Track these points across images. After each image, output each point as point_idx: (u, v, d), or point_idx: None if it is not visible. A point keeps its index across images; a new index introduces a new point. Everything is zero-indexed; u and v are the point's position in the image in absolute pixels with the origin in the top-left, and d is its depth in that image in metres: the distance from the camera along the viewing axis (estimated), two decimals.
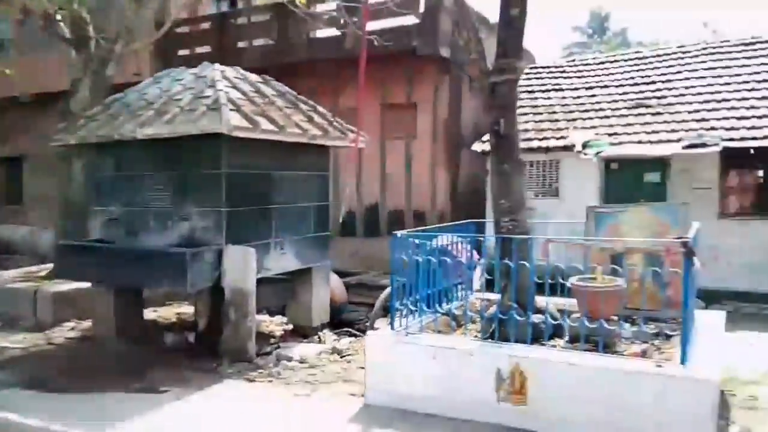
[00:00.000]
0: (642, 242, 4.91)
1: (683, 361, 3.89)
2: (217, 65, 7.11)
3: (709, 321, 5.15)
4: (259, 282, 6.45)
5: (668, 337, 4.76)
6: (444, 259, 5.02)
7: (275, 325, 7.98)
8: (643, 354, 4.31)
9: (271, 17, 12.63)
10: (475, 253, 6.29)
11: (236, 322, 6.22)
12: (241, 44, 13.18)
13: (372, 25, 10.25)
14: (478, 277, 6.57)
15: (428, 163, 11.93)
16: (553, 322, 4.51)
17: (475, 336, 5.02)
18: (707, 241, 9.28)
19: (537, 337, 4.65)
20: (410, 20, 11.05)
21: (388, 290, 6.20)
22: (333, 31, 11.76)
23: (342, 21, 9.40)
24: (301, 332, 7.46)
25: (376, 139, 11.96)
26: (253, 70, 7.74)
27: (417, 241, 5.14)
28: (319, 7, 12.06)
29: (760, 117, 9.43)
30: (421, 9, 10.68)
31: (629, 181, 10.07)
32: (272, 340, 7.20)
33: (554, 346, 4.65)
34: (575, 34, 32.59)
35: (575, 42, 32.22)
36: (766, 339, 7.33)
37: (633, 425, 3.86)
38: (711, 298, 8.73)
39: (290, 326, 7.68)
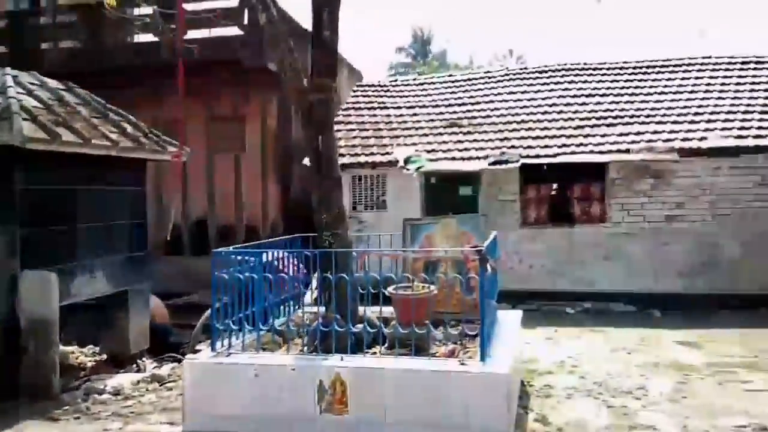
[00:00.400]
0: (443, 251, 5.34)
1: (483, 358, 4.31)
2: (8, 69, 6.35)
3: (508, 320, 5.75)
4: (66, 309, 5.86)
5: (475, 336, 5.22)
6: (267, 275, 4.99)
7: (86, 355, 7.29)
8: (452, 354, 4.68)
9: (79, 18, 11.58)
10: (302, 267, 6.34)
11: (36, 355, 5.58)
12: (44, 46, 11.88)
13: (194, 34, 9.93)
14: (311, 291, 6.62)
15: (259, 176, 11.80)
16: (371, 330, 4.71)
17: (301, 350, 5.06)
18: (512, 247, 10.46)
19: (361, 346, 4.82)
20: (235, 31, 10.87)
21: (210, 310, 5.99)
22: (152, 37, 11.14)
23: (159, 27, 8.95)
24: (118, 361, 6.91)
25: (202, 152, 11.54)
26: (59, 76, 7.05)
27: (240, 257, 5.06)
28: (136, 11, 11.35)
29: (551, 137, 10.80)
30: (246, 21, 10.57)
31: (446, 194, 10.88)
32: (82, 373, 6.58)
33: (374, 353, 4.85)
34: (401, 55, 34.66)
35: (401, 62, 34.18)
36: (562, 333, 8.36)
37: (445, 420, 4.16)
38: (517, 298, 9.72)
39: (104, 356, 7.07)
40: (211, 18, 9.23)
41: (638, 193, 10.08)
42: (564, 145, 10.48)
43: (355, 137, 11.68)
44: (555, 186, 11.03)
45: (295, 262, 6.08)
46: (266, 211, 11.76)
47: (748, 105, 10.55)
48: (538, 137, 10.90)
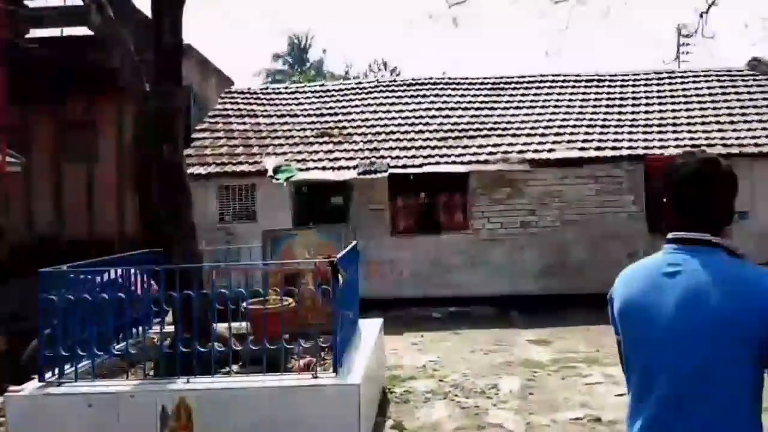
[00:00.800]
0: (294, 263, 5.28)
1: (335, 369, 4.29)
2: None
3: (369, 328, 5.80)
4: None
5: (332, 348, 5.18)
6: (103, 295, 4.61)
7: None
8: (307, 367, 4.61)
9: None
10: (153, 284, 5.96)
11: None
12: None
13: (37, 32, 9.09)
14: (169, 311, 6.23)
15: (115, 188, 11.00)
16: (220, 348, 4.51)
17: (146, 375, 4.73)
18: (383, 255, 10.65)
19: (215, 366, 4.60)
20: (87, 31, 10.08)
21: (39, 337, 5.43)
22: None
23: None
24: None
25: (48, 161, 10.56)
26: None
27: (73, 276, 4.64)
28: None
29: (418, 148, 11.16)
30: (98, 21, 9.82)
31: (318, 203, 10.85)
32: None
33: (227, 372, 4.66)
34: (278, 63, 34.18)
35: (278, 69, 33.72)
36: (427, 338, 8.60)
37: None
38: (389, 305, 9.93)
39: None
40: (54, 15, 8.48)
41: (496, 201, 10.69)
42: (429, 156, 10.86)
43: (222, 145, 11.30)
44: (422, 195, 11.39)
45: (145, 280, 5.69)
46: (123, 225, 10.98)
47: (591, 120, 11.61)
48: (405, 148, 11.21)
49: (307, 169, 10.66)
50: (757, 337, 1.61)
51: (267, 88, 14.46)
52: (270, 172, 10.42)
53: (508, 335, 8.46)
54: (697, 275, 1.71)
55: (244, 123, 12.19)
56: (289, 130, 11.95)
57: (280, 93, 13.65)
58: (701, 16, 9.00)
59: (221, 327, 5.00)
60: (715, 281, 1.69)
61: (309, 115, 12.48)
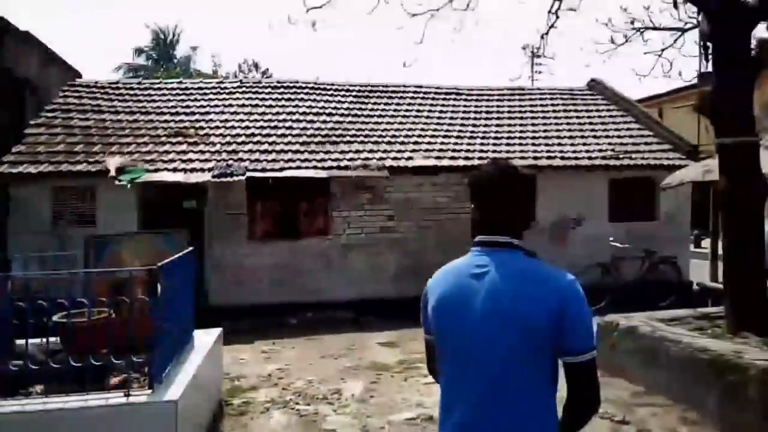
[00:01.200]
0: (105, 272, 4.90)
1: (152, 385, 3.99)
2: None
3: (205, 339, 5.51)
4: None
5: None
6: None
7: None
8: (123, 384, 4.25)
9: None
10: None
11: None
12: None
13: None
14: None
15: None
16: (15, 367, 4.02)
17: None
18: (241, 261, 10.31)
19: (23, 385, 4.11)
20: None
21: None
22: None
23: None
24: None
25: None
26: None
27: None
28: None
29: (279, 152, 10.94)
30: None
31: (169, 207, 10.22)
32: None
33: (30, 393, 4.16)
34: (141, 58, 31.99)
35: (141, 65, 31.57)
36: (279, 345, 8.41)
37: None
38: (245, 313, 9.65)
39: None
40: None
41: (357, 207, 10.75)
42: (291, 160, 10.69)
43: (59, 142, 10.29)
44: (282, 200, 11.17)
45: None
46: None
47: (447, 131, 12.11)
48: (266, 151, 10.94)
49: (156, 170, 10.00)
50: (554, 330, 1.79)
51: (117, 83, 13.41)
52: (113, 173, 9.64)
53: (361, 339, 8.52)
54: (499, 275, 1.88)
55: (87, 119, 11.20)
56: (139, 128, 11.17)
57: (132, 88, 12.73)
58: (542, 37, 9.66)
59: (34, 343, 4.48)
60: (515, 281, 1.86)
61: (162, 113, 11.77)
